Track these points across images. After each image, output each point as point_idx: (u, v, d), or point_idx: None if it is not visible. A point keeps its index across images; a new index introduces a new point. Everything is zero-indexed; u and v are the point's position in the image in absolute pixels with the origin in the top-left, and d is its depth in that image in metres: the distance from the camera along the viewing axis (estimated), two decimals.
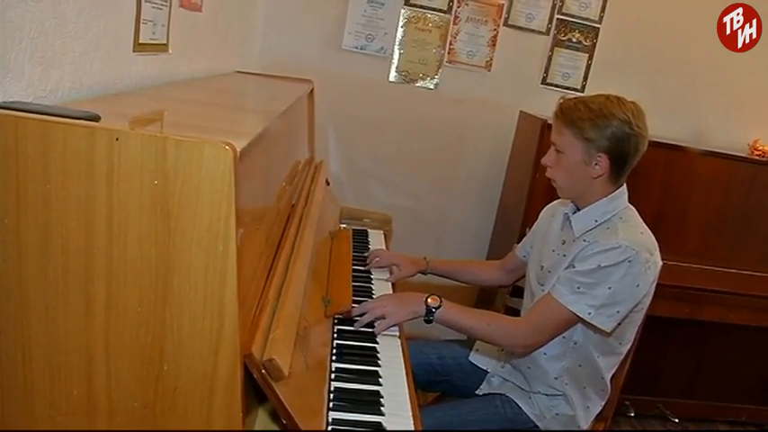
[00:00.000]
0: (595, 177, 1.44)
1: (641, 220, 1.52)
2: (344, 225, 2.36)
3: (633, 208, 1.52)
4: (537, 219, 1.80)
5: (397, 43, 2.88)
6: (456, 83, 2.92)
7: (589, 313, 1.44)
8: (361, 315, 1.52)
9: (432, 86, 2.92)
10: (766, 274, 2.80)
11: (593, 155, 1.42)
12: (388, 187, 3.01)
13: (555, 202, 1.72)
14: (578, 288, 1.43)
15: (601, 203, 1.48)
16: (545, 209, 1.77)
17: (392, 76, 2.92)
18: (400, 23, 2.88)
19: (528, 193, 2.65)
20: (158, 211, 0.80)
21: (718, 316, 2.63)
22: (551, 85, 3.00)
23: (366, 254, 2.01)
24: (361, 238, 2.25)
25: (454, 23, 2.90)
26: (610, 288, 1.41)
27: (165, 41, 1.52)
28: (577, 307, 1.44)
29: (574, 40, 2.96)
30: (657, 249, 1.46)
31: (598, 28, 2.96)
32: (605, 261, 1.40)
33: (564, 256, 1.52)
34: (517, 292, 2.04)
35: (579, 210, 1.53)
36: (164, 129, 0.95)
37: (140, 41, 1.35)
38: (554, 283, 1.50)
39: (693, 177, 2.75)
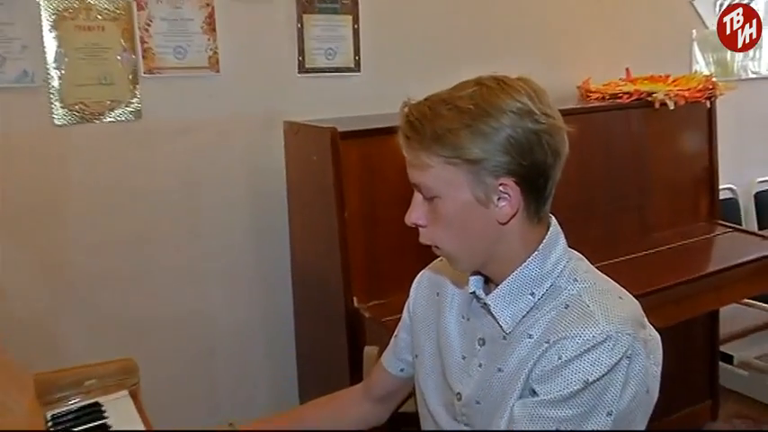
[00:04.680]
0: (505, 222, 1.15)
1: (598, 270, 1.25)
2: (51, 412, 1.58)
3: (576, 252, 1.26)
4: (405, 300, 1.44)
5: (51, 60, 2.15)
6: (169, 102, 2.37)
7: None
8: None
9: (131, 117, 2.30)
10: (656, 248, 2.66)
11: (491, 184, 1.13)
12: (112, 301, 2.34)
13: (431, 269, 1.41)
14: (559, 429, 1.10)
15: (530, 265, 1.19)
16: (417, 283, 1.43)
17: (58, 115, 2.18)
18: (45, 25, 2.13)
19: (341, 250, 2.16)
20: None
21: None
22: (314, 71, 2.54)
23: None
24: None
25: (139, 8, 2.25)
26: (610, 414, 1.09)
27: None
28: None
29: None
30: (641, 309, 1.20)
31: None
32: (593, 372, 1.09)
33: (499, 370, 1.19)
34: (399, 421, 1.55)
35: (493, 282, 1.22)
36: None
37: None
38: (504, 425, 1.16)
39: None
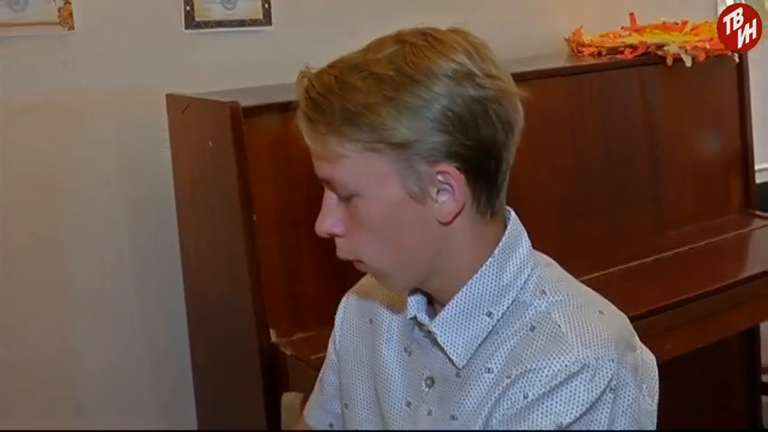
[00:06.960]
0: (449, 222, 1.19)
1: (573, 278, 1.32)
2: None
3: (544, 256, 1.32)
4: (332, 327, 1.51)
5: None
6: (3, 72, 2.31)
7: None
8: None
9: None
10: (674, 249, 2.62)
11: (426, 173, 1.17)
12: None
13: (358, 289, 1.47)
14: None
15: (484, 276, 1.23)
16: (343, 308, 1.50)
17: None
18: None
19: (249, 267, 2.15)
20: None
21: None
22: (207, 25, 2.52)
23: None
24: None
25: None
26: None
27: None
28: None
29: None
30: (631, 326, 1.27)
31: None
32: (568, 412, 1.13)
33: (453, 418, 1.24)
34: None
35: (438, 302, 1.27)
36: None
37: None
38: None
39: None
